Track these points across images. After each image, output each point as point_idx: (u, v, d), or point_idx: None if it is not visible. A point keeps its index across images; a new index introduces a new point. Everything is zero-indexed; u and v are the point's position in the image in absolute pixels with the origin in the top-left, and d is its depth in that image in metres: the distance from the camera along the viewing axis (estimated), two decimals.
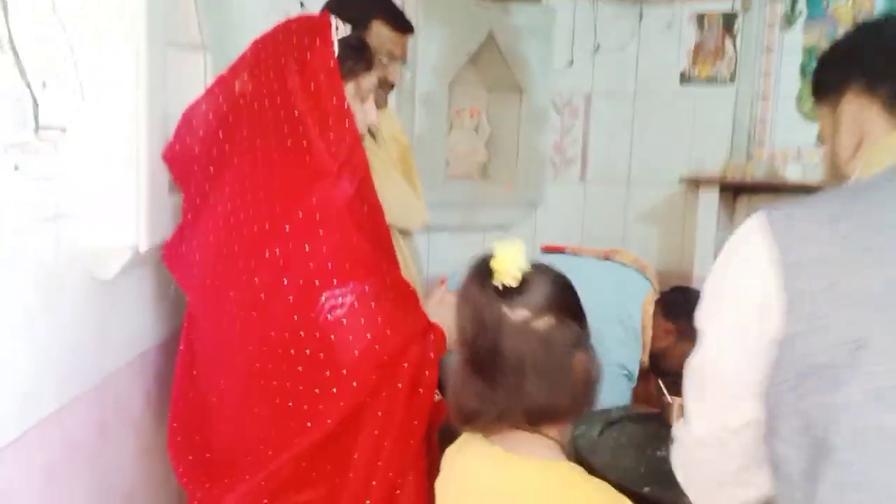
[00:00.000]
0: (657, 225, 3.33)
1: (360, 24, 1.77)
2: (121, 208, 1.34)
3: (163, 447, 1.57)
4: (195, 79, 1.77)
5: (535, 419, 1.05)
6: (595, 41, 3.24)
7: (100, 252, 1.31)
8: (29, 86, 1.14)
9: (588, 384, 1.06)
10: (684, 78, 3.35)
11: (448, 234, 2.74)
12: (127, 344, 1.46)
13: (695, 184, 3.19)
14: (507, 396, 1.04)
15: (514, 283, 1.05)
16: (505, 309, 1.05)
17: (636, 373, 2.26)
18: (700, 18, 3.29)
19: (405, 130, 2.48)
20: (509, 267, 1.05)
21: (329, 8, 1.57)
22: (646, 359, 2.29)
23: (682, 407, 1.98)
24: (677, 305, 2.25)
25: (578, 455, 1.78)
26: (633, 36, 3.36)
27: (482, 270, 1.07)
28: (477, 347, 1.08)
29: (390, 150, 2.02)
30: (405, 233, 2.07)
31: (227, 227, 1.38)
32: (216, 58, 1.82)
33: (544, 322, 1.04)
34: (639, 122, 3.41)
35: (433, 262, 2.71)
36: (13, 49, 1.10)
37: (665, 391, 2.04)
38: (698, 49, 3.31)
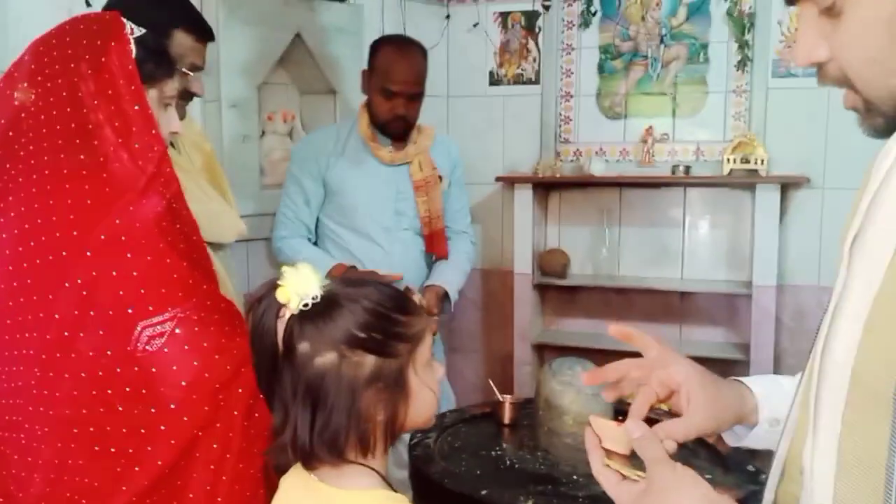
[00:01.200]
0: (477, 222, 3.39)
1: (159, 33, 1.64)
2: None
3: None
4: None
5: (305, 459, 1.00)
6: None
7: None
8: None
9: (385, 423, 1.00)
10: (493, 78, 3.43)
11: (267, 244, 2.63)
12: None
13: (510, 182, 3.28)
14: (297, 427, 0.98)
15: (296, 313, 0.98)
16: (287, 339, 0.99)
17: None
18: (504, 17, 3.39)
19: (211, 137, 2.35)
20: (294, 296, 0.98)
21: (120, 12, 1.43)
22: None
23: (513, 405, 2.03)
24: None
25: (414, 466, 1.75)
26: (442, 36, 3.39)
27: (269, 295, 1.00)
28: (260, 374, 1.03)
29: (194, 160, 1.89)
30: (218, 246, 1.95)
31: (14, 258, 1.21)
32: None
33: (324, 359, 0.97)
34: (453, 122, 3.45)
35: (254, 275, 2.59)
36: None
37: (496, 390, 2.06)
38: (504, 49, 3.41)
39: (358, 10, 2.93)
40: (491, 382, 2.10)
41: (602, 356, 3.10)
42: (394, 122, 2.36)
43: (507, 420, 2.02)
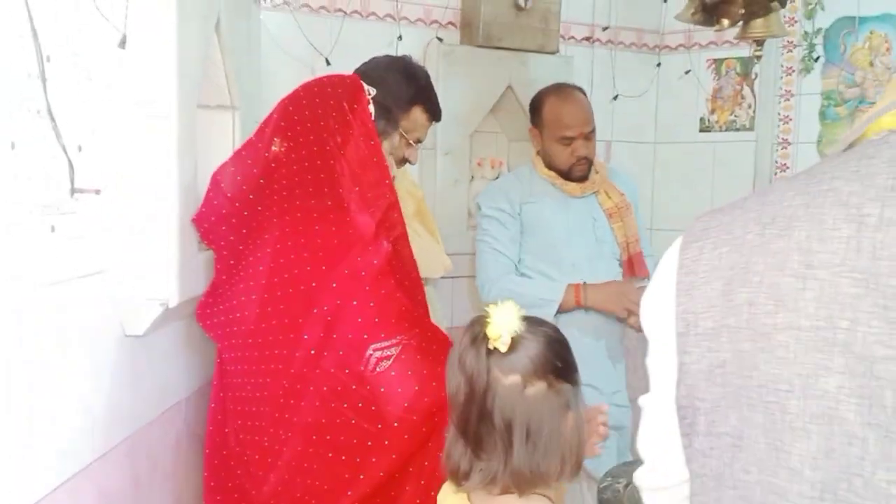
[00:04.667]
0: None
1: (404, 105, 1.86)
2: (152, 265, 1.39)
3: (194, 497, 1.59)
4: (225, 137, 1.83)
5: (523, 484, 1.05)
6: (613, 89, 3.28)
7: (132, 307, 1.36)
8: (65, 150, 1.19)
9: (576, 444, 1.06)
10: (703, 125, 3.38)
11: (471, 281, 2.76)
12: (159, 396, 1.49)
13: None
14: (494, 461, 1.04)
15: (504, 348, 1.04)
16: (496, 373, 1.05)
17: None
18: (718, 64, 3.33)
19: (425, 183, 2.54)
20: (501, 331, 1.04)
21: (374, 78, 1.64)
22: None
23: None
24: None
25: None
26: (651, 83, 3.39)
27: (475, 333, 1.07)
28: (466, 411, 1.08)
29: (407, 204, 2.07)
30: (425, 281, 2.10)
31: (270, 286, 1.42)
32: (245, 116, 1.89)
33: (535, 388, 1.04)
34: (659, 169, 3.42)
35: (457, 309, 2.73)
36: (50, 115, 1.15)
37: None
38: (716, 96, 3.34)
39: (568, 61, 3.03)
40: None
41: None
42: (578, 166, 2.42)
43: None
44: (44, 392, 1.09)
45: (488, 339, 1.05)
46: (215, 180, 1.51)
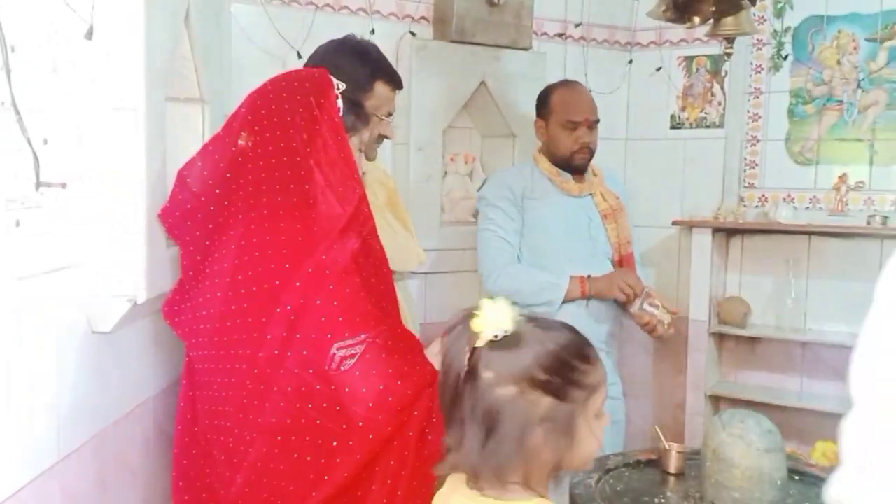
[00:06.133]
0: (652, 266, 3.34)
1: (365, 85, 1.85)
2: (120, 261, 1.36)
3: (162, 497, 1.56)
4: (194, 131, 1.81)
5: (498, 478, 1.03)
6: (586, 85, 3.28)
7: (99, 304, 1.33)
8: (30, 143, 1.17)
9: (548, 462, 1.03)
10: (674, 122, 3.40)
11: (444, 277, 2.76)
12: (127, 394, 1.47)
13: (688, 226, 3.22)
14: (469, 450, 1.02)
15: (481, 343, 1.02)
16: (474, 365, 1.03)
17: None
18: (688, 62, 3.36)
19: (398, 178, 2.53)
20: (489, 327, 1.02)
21: (328, 67, 1.61)
22: None
23: (679, 454, 2.00)
24: None
25: None
26: (623, 80, 3.41)
27: (464, 323, 1.05)
28: (444, 396, 1.07)
29: (378, 195, 2.06)
30: (399, 276, 2.09)
31: (234, 284, 1.40)
32: (214, 110, 1.86)
33: (505, 391, 1.01)
34: (630, 165, 3.45)
35: (430, 306, 2.73)
36: (14, 107, 1.12)
37: (663, 437, 2.04)
38: (687, 93, 3.37)
39: (541, 57, 3.03)
40: (658, 429, 2.07)
41: (783, 413, 2.96)
42: (580, 152, 2.49)
43: (672, 469, 1.98)
44: (8, 390, 1.06)
45: (473, 330, 1.03)
46: (181, 176, 1.48)
